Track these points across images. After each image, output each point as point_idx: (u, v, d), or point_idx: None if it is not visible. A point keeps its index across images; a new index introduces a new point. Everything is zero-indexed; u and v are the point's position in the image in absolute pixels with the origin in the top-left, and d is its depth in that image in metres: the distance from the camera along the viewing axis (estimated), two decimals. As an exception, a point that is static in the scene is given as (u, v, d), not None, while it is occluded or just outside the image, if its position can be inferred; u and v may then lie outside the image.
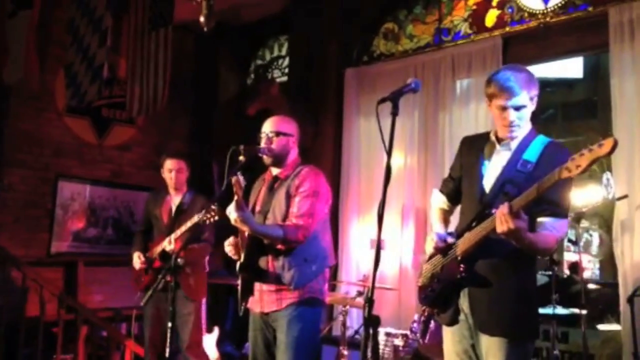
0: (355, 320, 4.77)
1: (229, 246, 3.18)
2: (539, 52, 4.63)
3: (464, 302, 2.44)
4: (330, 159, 5.66)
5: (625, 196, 3.91)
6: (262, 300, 3.13)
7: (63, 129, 5.82)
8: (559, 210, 2.32)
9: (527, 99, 2.40)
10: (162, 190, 4.38)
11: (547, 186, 2.08)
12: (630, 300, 3.49)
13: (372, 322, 2.00)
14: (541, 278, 4.41)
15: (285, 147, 3.24)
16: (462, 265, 2.38)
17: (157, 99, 5.61)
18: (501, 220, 2.14)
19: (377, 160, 5.29)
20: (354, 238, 5.37)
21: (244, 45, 6.43)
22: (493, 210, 2.25)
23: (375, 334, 2.05)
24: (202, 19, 3.42)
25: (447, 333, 2.55)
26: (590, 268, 10.42)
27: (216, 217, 3.54)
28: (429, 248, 2.55)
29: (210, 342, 5.27)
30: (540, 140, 2.45)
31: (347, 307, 4.05)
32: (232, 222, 2.99)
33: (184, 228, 3.88)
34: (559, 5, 4.45)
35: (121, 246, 6.07)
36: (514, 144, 2.46)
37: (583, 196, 9.84)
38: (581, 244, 4.03)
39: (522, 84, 2.39)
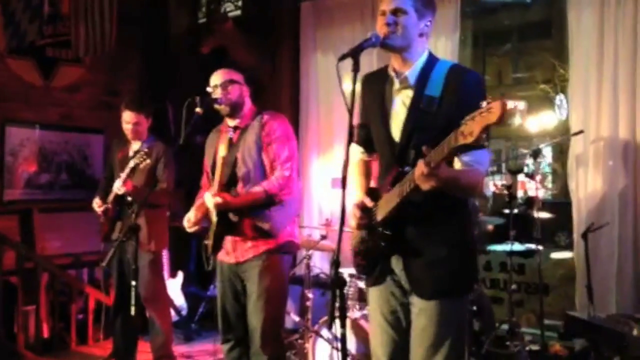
0: (318, 261, 4.84)
1: (187, 222, 3.19)
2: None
3: (396, 265, 2.29)
4: (288, 96, 5.58)
5: (581, 132, 3.96)
6: (237, 250, 3.13)
7: (6, 71, 5.49)
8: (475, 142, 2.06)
9: (409, 5, 2.20)
10: (125, 137, 4.26)
11: (447, 153, 1.88)
12: (584, 236, 3.60)
13: (338, 284, 2.01)
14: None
15: (240, 96, 3.21)
16: (383, 233, 2.23)
17: (104, 38, 5.37)
18: (423, 179, 1.96)
19: (335, 96, 5.20)
20: (315, 177, 5.36)
21: (193, -23, 6.13)
22: (407, 168, 2.12)
23: (343, 295, 2.04)
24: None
25: (373, 292, 2.41)
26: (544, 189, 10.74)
27: (147, 161, 3.71)
28: (353, 223, 2.37)
29: (175, 287, 5.28)
30: (442, 67, 2.25)
31: (311, 251, 4.08)
32: (212, 208, 3.02)
33: (126, 171, 3.84)
34: None
35: (77, 191, 5.93)
36: (412, 76, 2.25)
37: (537, 122, 10.03)
38: (537, 178, 4.10)
39: None
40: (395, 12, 2.22)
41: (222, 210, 3.04)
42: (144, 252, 3.95)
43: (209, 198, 3.04)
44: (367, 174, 2.58)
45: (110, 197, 4.03)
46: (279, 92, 5.52)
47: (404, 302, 2.31)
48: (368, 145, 2.50)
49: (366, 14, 5.09)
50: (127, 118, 4.08)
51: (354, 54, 2.14)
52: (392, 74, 2.32)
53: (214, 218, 3.12)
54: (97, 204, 4.13)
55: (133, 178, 3.91)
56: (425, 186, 1.97)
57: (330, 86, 5.30)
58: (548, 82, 11.12)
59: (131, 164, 3.78)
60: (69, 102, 5.93)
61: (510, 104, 1.69)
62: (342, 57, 2.14)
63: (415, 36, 2.26)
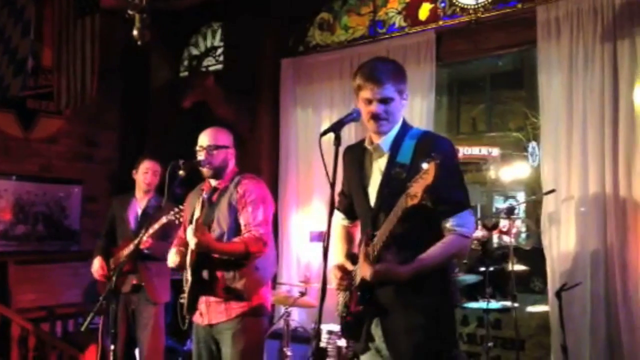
0: (297, 316, 4.83)
1: (174, 256, 3.17)
2: (471, 47, 4.72)
3: (376, 331, 2.31)
4: (267, 150, 5.64)
5: (553, 191, 4.08)
6: (210, 312, 3.14)
7: (-15, 123, 5.54)
8: (457, 205, 2.26)
9: (393, 92, 2.29)
10: (128, 194, 4.36)
11: (400, 215, 2.04)
12: (558, 294, 3.67)
13: (319, 356, 2.04)
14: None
15: (224, 160, 3.25)
16: (361, 296, 2.28)
17: (85, 90, 5.40)
18: (372, 278, 2.14)
19: (314, 151, 5.22)
20: (293, 230, 5.39)
21: (176, 32, 6.24)
22: (377, 233, 2.22)
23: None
24: (135, 32, 3.30)
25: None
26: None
27: (181, 219, 3.61)
28: (334, 284, 2.44)
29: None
30: (413, 135, 2.36)
31: (290, 308, 4.08)
32: (192, 247, 2.99)
33: (155, 227, 3.85)
34: (489, 1, 4.52)
35: (53, 242, 5.91)
36: (386, 146, 2.36)
37: (511, 171, 10.25)
38: (512, 234, 4.20)
39: (389, 75, 2.29)
40: (383, 101, 2.30)
41: (202, 250, 3.01)
42: (150, 304, 4.07)
43: (191, 236, 2.99)
44: (349, 240, 2.64)
45: (126, 253, 4.01)
46: (258, 146, 5.59)
47: None
48: (350, 213, 2.60)
49: (345, 71, 5.21)
50: (148, 165, 4.22)
51: (336, 129, 2.22)
52: (369, 146, 2.42)
53: (189, 277, 3.13)
54: (101, 269, 4.16)
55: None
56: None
57: (309, 141, 5.38)
58: (521, 129, 11.41)
59: (164, 219, 3.77)
60: (48, 153, 5.95)
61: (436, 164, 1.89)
62: (324, 133, 2.23)
63: (399, 115, 2.39)
